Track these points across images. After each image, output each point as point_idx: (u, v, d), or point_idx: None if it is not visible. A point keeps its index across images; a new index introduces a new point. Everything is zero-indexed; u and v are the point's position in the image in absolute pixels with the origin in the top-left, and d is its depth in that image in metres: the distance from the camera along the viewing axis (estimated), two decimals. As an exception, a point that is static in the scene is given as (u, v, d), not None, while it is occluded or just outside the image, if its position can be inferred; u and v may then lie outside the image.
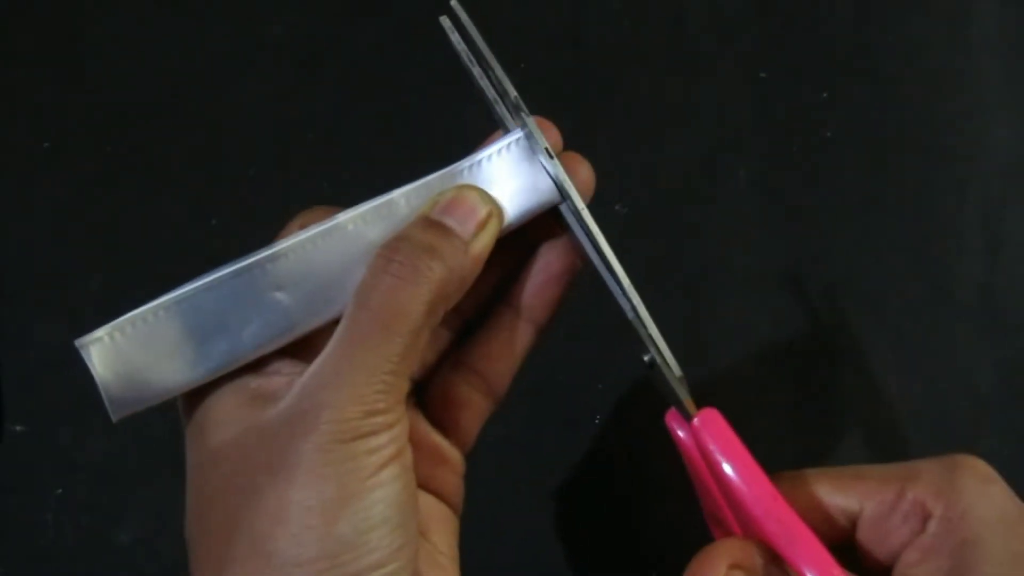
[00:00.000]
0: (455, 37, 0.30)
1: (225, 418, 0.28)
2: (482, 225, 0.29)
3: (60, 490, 0.47)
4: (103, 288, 0.49)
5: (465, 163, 0.30)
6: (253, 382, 0.28)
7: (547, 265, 0.32)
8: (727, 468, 0.27)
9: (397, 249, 0.27)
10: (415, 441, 0.28)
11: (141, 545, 0.46)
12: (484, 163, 0.30)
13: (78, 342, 0.27)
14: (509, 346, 0.32)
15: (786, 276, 0.50)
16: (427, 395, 0.32)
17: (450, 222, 0.28)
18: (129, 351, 0.27)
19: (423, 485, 0.30)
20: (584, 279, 0.32)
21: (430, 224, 0.28)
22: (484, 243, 0.29)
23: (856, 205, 0.51)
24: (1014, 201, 0.51)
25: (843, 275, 0.50)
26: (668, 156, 0.51)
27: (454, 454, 0.32)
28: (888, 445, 0.48)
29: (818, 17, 0.53)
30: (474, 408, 0.32)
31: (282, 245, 0.29)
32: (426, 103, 0.52)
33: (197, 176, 0.51)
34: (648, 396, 0.48)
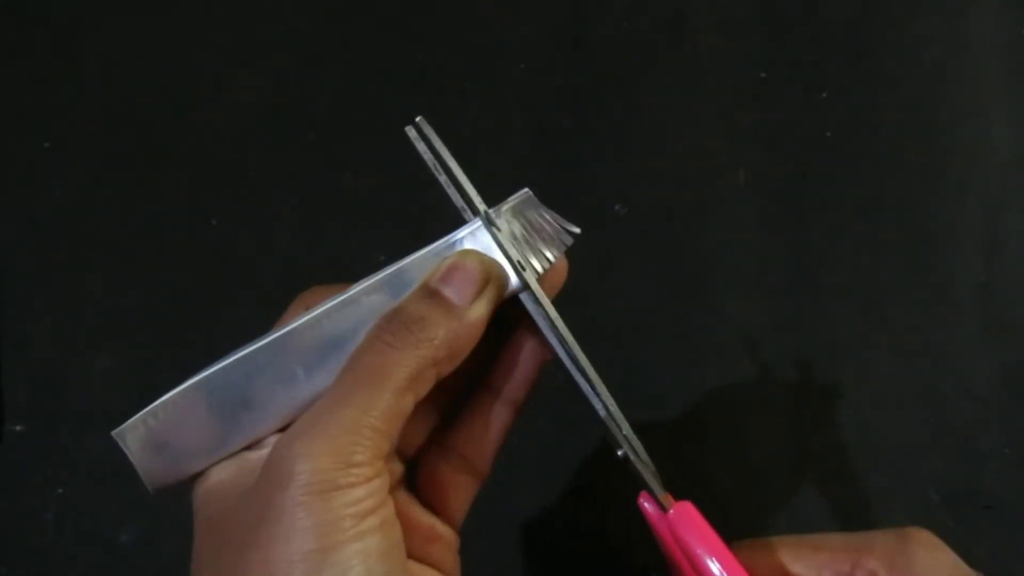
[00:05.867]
0: (421, 147, 0.31)
1: (222, 488, 0.28)
2: (479, 291, 0.29)
3: (60, 490, 0.47)
4: (103, 288, 0.49)
5: (431, 248, 0.31)
6: (253, 455, 0.29)
7: (521, 345, 0.32)
8: (706, 561, 0.29)
9: (391, 319, 0.28)
10: (409, 522, 0.29)
11: (141, 545, 0.46)
12: (444, 249, 0.30)
13: (115, 433, 0.29)
14: (488, 427, 0.32)
15: (786, 276, 0.50)
16: (416, 478, 0.32)
17: (446, 290, 0.29)
18: (162, 434, 0.29)
19: (421, 561, 0.30)
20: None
21: (426, 293, 0.29)
22: (481, 310, 0.29)
23: (856, 205, 0.51)
24: (1014, 201, 0.51)
25: (843, 275, 0.50)
26: (668, 156, 0.51)
27: (447, 531, 0.32)
28: (888, 446, 0.48)
29: (818, 17, 0.53)
30: (460, 488, 0.32)
31: (300, 321, 0.30)
32: (427, 101, 0.52)
33: (197, 176, 0.51)
34: (647, 396, 0.48)
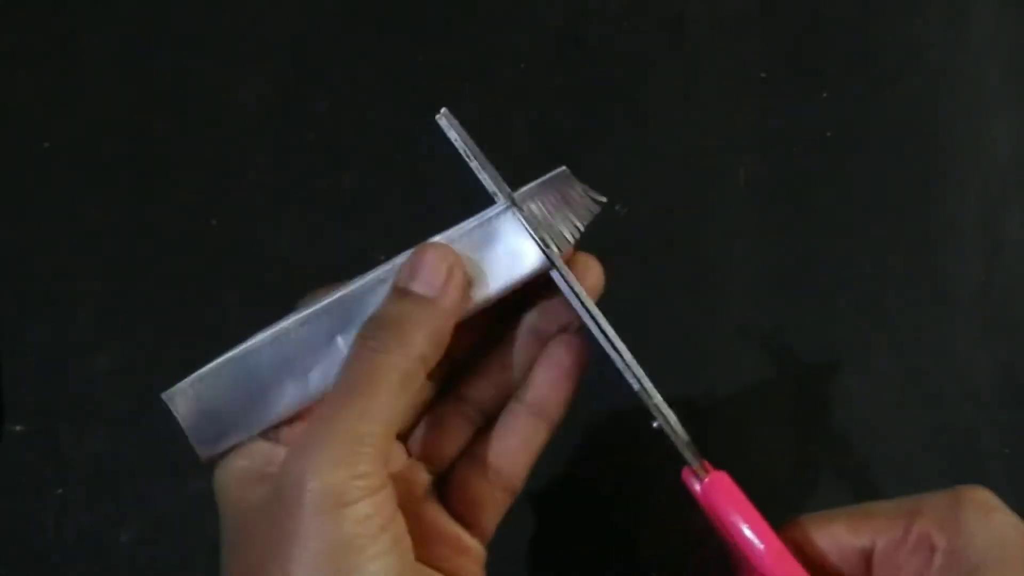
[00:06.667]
0: (453, 134, 0.32)
1: (239, 505, 0.29)
2: (447, 279, 0.30)
3: (60, 490, 0.47)
4: (103, 288, 0.49)
5: (457, 230, 0.31)
6: (268, 470, 0.29)
7: (558, 361, 0.33)
8: (740, 527, 0.30)
9: (369, 326, 0.29)
10: (437, 533, 0.29)
11: (141, 545, 0.46)
12: (475, 231, 0.31)
13: (164, 395, 0.30)
14: (524, 443, 0.33)
15: (786, 276, 0.50)
16: (447, 489, 0.33)
17: (416, 286, 0.29)
18: (209, 399, 0.30)
19: (447, 574, 0.30)
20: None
21: (399, 294, 0.30)
22: (454, 296, 0.30)
23: (856, 205, 0.51)
24: (1014, 201, 0.51)
25: (843, 275, 0.50)
26: (668, 156, 0.51)
27: (475, 545, 0.32)
28: (889, 446, 0.48)
29: (818, 17, 0.53)
30: (492, 503, 0.33)
31: (340, 293, 0.31)
32: (427, 101, 0.52)
33: (197, 176, 0.51)
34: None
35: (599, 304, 0.31)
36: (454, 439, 0.33)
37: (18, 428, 0.48)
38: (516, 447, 0.33)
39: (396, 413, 0.28)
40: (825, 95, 0.52)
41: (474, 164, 0.32)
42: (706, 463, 0.31)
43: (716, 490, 0.30)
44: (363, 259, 0.49)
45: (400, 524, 0.27)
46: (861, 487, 0.47)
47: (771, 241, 0.50)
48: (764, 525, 0.30)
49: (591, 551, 0.47)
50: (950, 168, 0.51)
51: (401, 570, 0.26)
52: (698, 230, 0.50)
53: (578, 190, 0.32)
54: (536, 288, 0.32)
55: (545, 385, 0.32)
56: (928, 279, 0.50)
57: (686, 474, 0.31)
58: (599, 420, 0.47)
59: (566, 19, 0.53)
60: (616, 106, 0.52)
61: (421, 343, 0.28)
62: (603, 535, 0.47)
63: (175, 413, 0.30)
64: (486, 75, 0.52)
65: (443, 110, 0.32)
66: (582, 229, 0.32)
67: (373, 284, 0.31)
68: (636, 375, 0.31)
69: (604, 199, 0.32)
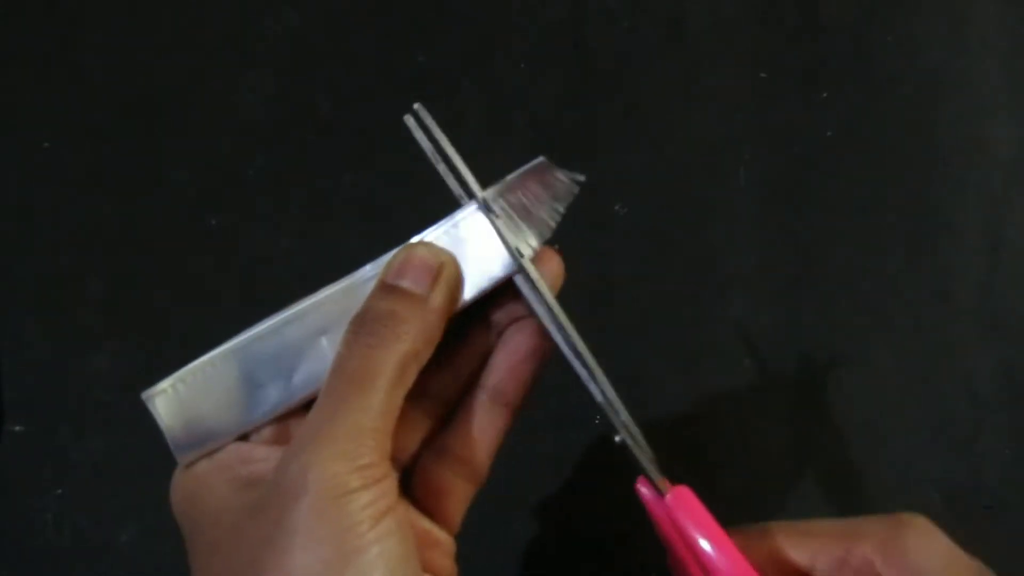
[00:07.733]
0: (419, 135, 0.31)
1: (219, 506, 0.28)
2: (437, 278, 0.29)
3: (60, 490, 0.47)
4: (103, 289, 0.49)
5: (428, 233, 0.31)
6: (243, 470, 0.29)
7: (516, 347, 0.32)
8: (703, 545, 0.29)
9: (363, 321, 0.29)
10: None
11: (141, 545, 0.46)
12: (445, 234, 0.31)
13: (144, 395, 0.30)
14: (485, 430, 0.32)
15: (786, 276, 0.50)
16: (412, 483, 0.32)
17: (405, 283, 0.29)
18: (191, 400, 0.30)
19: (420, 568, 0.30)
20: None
21: (388, 290, 0.29)
22: (443, 295, 0.29)
23: (856, 205, 0.51)
24: (1014, 201, 0.51)
25: (843, 275, 0.50)
26: (668, 156, 0.51)
27: (444, 537, 0.32)
28: (888, 446, 0.48)
29: (818, 17, 0.53)
30: (458, 492, 0.32)
31: (323, 294, 0.30)
32: (427, 101, 0.52)
33: (197, 176, 0.51)
34: (648, 396, 0.48)
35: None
36: (414, 433, 0.32)
37: (18, 428, 0.48)
38: (478, 435, 0.32)
39: (394, 407, 0.28)
40: (825, 95, 0.52)
41: (441, 168, 0.31)
42: (665, 480, 0.30)
43: (679, 505, 0.30)
44: (363, 259, 0.49)
45: (402, 512, 0.27)
46: (861, 487, 0.47)
47: (771, 241, 0.50)
48: (728, 542, 0.29)
49: (591, 551, 0.47)
50: (950, 168, 0.51)
51: (403, 553, 0.26)
52: (698, 230, 0.50)
53: (557, 174, 0.32)
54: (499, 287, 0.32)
55: (504, 371, 0.32)
56: (928, 279, 0.50)
57: (640, 487, 0.31)
58: (600, 420, 0.47)
59: (566, 19, 0.53)
60: (616, 106, 0.52)
61: (415, 338, 0.28)
62: (603, 535, 0.47)
63: (154, 414, 0.29)
64: (486, 75, 0.52)
65: (416, 106, 0.31)
66: (562, 211, 0.32)
67: (358, 284, 0.30)
68: (601, 386, 0.30)
69: (583, 178, 0.32)
